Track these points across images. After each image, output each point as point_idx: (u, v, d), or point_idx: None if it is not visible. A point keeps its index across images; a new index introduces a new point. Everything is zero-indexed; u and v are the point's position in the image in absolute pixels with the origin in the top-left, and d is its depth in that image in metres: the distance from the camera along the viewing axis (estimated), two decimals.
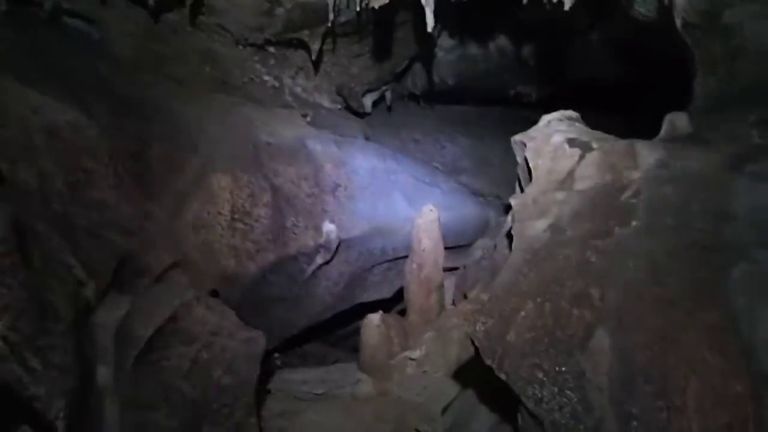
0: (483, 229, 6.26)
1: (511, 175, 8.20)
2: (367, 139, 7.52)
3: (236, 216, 4.84)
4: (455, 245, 6.05)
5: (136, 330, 3.17)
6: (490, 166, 8.04)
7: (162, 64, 5.72)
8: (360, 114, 7.65)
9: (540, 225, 2.81)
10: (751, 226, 2.45)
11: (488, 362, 2.34)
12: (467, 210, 6.39)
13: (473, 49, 7.17)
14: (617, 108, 7.86)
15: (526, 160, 3.37)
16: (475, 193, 7.22)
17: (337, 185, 5.58)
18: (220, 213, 4.78)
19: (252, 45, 6.04)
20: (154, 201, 4.52)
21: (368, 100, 7.63)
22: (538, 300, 2.40)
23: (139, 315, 3.27)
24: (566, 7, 3.68)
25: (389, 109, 8.16)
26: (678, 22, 3.68)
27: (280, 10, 5.52)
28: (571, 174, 3.12)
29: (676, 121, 3.58)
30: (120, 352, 3.08)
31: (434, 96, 8.27)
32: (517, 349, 2.30)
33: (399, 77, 7.71)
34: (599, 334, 2.21)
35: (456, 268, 5.30)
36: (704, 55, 4.13)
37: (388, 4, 4.68)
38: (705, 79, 4.14)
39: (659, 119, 3.73)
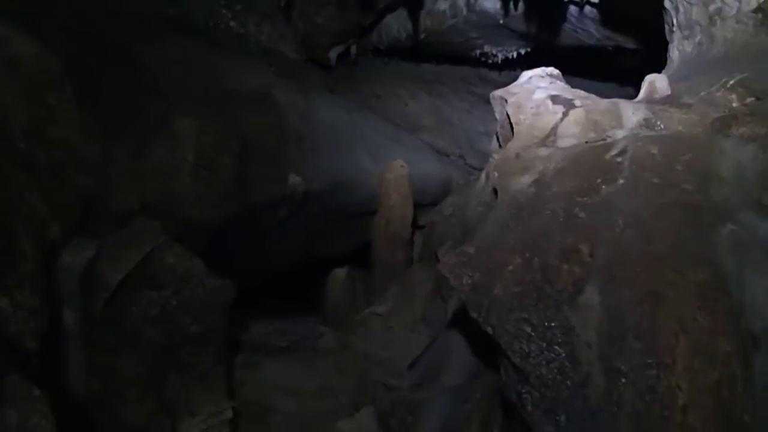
0: (446, 187, 6.22)
1: (473, 135, 8.20)
2: (330, 92, 7.34)
3: (201, 162, 4.64)
4: (418, 203, 6.00)
5: (104, 274, 3.00)
6: (452, 126, 7.99)
7: (124, 3, 5.39)
8: (324, 67, 7.43)
9: (524, 180, 2.75)
10: (738, 188, 2.45)
11: (474, 315, 2.29)
12: (430, 168, 6.33)
13: (443, 4, 7.01)
14: (590, 73, 7.87)
15: (507, 115, 3.29)
16: (438, 152, 7.15)
17: (302, 137, 5.42)
18: (184, 159, 4.57)
19: None
20: (117, 143, 4.28)
21: (333, 53, 7.41)
22: (527, 255, 2.35)
23: (107, 258, 3.10)
24: None
25: (354, 63, 7.95)
26: None
27: None
28: (554, 130, 3.07)
29: (656, 82, 3.56)
30: (87, 296, 2.93)
31: (399, 52, 8.10)
32: (504, 303, 2.25)
33: (365, 31, 7.50)
34: (589, 290, 2.19)
35: (420, 226, 5.25)
36: (683, 18, 4.12)
37: None
38: (683, 44, 4.14)
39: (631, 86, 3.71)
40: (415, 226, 5.03)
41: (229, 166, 4.74)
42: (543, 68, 3.67)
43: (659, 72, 4.19)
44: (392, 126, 7.02)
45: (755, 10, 3.63)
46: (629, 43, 6.36)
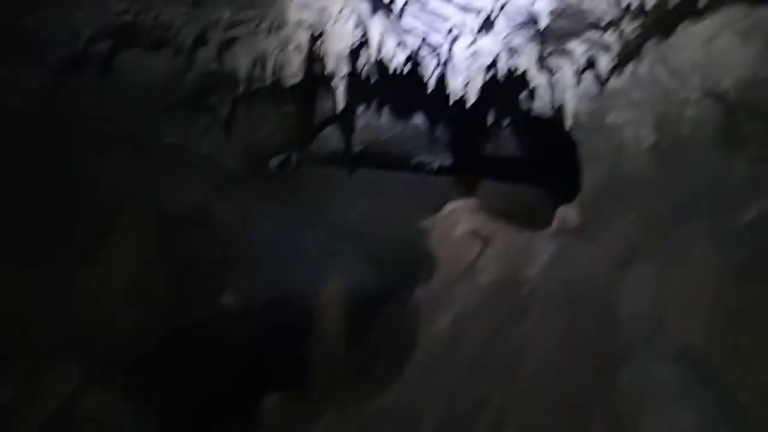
0: (386, 297, 6.32)
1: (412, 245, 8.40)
2: (271, 202, 7.49)
3: (133, 286, 4.63)
4: (360, 314, 6.07)
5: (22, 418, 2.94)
6: (393, 232, 8.16)
7: (60, 120, 5.48)
8: (267, 175, 7.63)
9: (443, 322, 2.90)
10: (632, 331, 2.65)
11: None
12: (371, 278, 6.43)
13: (382, 118, 7.39)
14: (520, 177, 8.32)
15: (430, 250, 3.49)
16: (378, 260, 7.30)
17: (239, 254, 5.49)
18: (115, 284, 4.55)
19: (159, 106, 5.93)
20: (44, 267, 4.25)
21: (274, 163, 7.65)
22: (443, 404, 2.46)
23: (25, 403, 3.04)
24: (467, 105, 3.90)
25: (295, 170, 8.18)
26: (568, 122, 3.99)
27: (190, 76, 5.47)
28: (473, 266, 3.27)
29: (567, 214, 3.85)
30: None
31: (341, 160, 8.40)
32: None
33: (307, 140, 7.79)
34: None
35: (359, 335, 5.31)
36: (590, 150, 4.49)
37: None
38: (591, 173, 4.49)
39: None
40: (353, 340, 5.09)
41: (162, 289, 4.75)
42: (464, 199, 3.92)
43: (575, 189, 4.56)
44: (333, 237, 7.15)
45: (651, 148, 4.02)
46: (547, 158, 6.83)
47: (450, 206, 3.85)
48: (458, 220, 3.58)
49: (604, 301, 2.84)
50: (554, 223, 3.83)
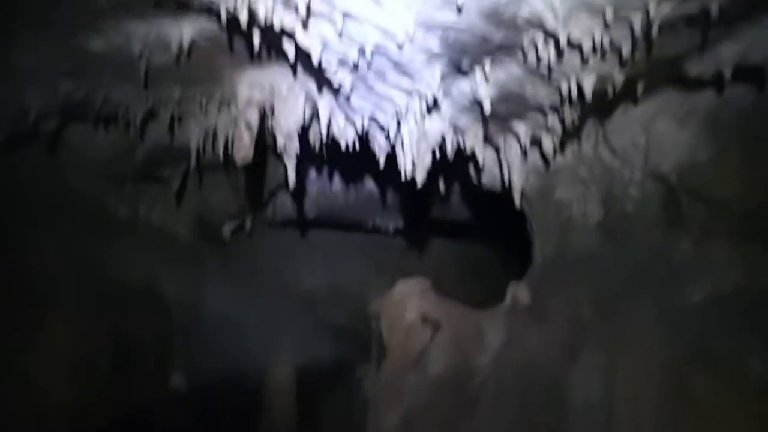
0: (340, 368, 6.21)
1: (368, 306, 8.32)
2: (224, 268, 7.35)
3: (74, 370, 4.42)
4: (313, 386, 5.92)
5: None
6: (348, 297, 8.09)
7: (11, 195, 5.30)
8: (220, 243, 7.49)
9: (392, 418, 2.81)
10: (583, 425, 2.61)
11: None
12: (324, 350, 6.32)
13: (335, 185, 7.39)
14: (474, 238, 8.39)
15: (381, 335, 3.42)
16: (333, 328, 7.19)
17: (188, 330, 5.32)
18: (56, 369, 4.33)
19: (108, 179, 5.82)
20: None
21: (227, 229, 7.52)
22: None
23: None
24: (418, 185, 3.91)
25: (250, 236, 8.07)
26: (516, 198, 4.03)
27: (140, 150, 5.39)
28: (423, 353, 3.20)
29: (518, 292, 3.85)
30: None
31: (295, 224, 8.34)
32: None
33: (260, 207, 7.71)
34: None
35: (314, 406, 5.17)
36: (540, 224, 4.54)
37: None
38: (544, 246, 4.53)
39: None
40: (305, 417, 4.94)
41: (106, 372, 4.54)
42: (415, 280, 3.88)
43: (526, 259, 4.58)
44: (287, 305, 7.04)
45: (598, 224, 4.08)
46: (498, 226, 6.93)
47: (400, 286, 3.79)
48: (408, 304, 3.52)
49: (555, 388, 2.81)
50: (507, 301, 3.82)
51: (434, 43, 2.81)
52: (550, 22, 2.56)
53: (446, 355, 3.12)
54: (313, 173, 7.23)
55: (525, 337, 3.21)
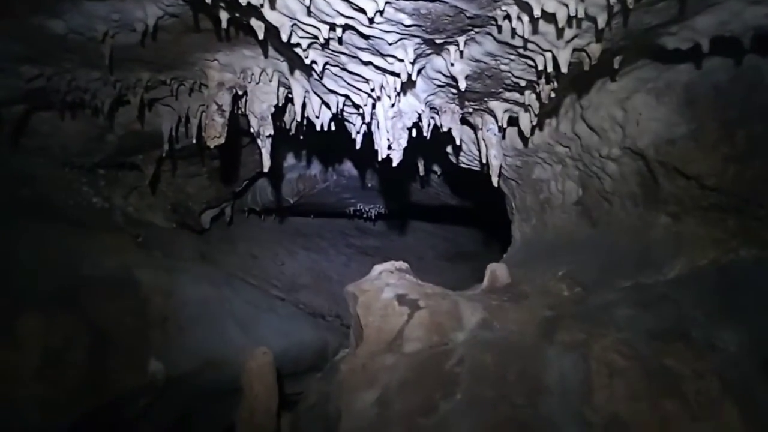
0: (321, 354, 6.15)
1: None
2: (203, 257, 7.26)
3: (47, 363, 4.31)
4: (293, 372, 5.86)
5: None
6: (330, 282, 8.06)
7: None
8: (198, 231, 7.40)
9: (368, 397, 2.78)
10: (562, 400, 2.59)
11: None
12: (305, 335, 6.25)
13: (314, 169, 7.32)
14: (455, 221, 8.38)
15: (357, 316, 3.37)
16: (314, 314, 7.14)
17: (165, 318, 5.21)
18: (28, 362, 4.23)
19: (80, 167, 5.69)
20: None
21: (206, 217, 7.43)
22: None
23: None
24: (394, 164, 3.85)
25: (229, 223, 7.99)
26: (494, 178, 3.98)
27: (111, 137, 5.28)
28: (400, 333, 3.16)
29: (497, 272, 3.81)
30: None
31: (275, 210, 8.27)
32: None
33: (239, 194, 7.63)
34: None
35: (298, 393, 5.09)
36: (519, 204, 4.51)
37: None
38: (522, 225, 4.51)
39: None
40: (285, 403, 4.86)
41: (79, 363, 4.44)
42: (393, 262, 3.83)
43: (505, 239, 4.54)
44: (266, 291, 6.96)
45: (576, 203, 4.05)
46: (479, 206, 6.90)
47: (378, 267, 3.74)
48: (385, 285, 3.47)
49: (532, 368, 2.77)
50: (485, 281, 3.78)
51: (405, 18, 2.74)
52: None
53: (423, 335, 3.07)
54: (291, 158, 7.16)
55: (501, 318, 3.17)
